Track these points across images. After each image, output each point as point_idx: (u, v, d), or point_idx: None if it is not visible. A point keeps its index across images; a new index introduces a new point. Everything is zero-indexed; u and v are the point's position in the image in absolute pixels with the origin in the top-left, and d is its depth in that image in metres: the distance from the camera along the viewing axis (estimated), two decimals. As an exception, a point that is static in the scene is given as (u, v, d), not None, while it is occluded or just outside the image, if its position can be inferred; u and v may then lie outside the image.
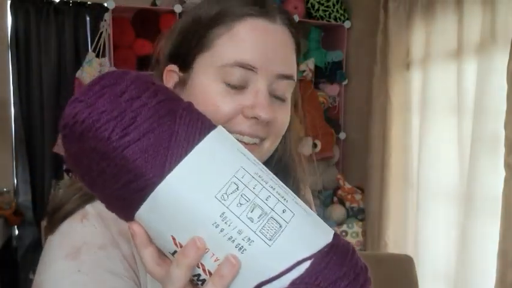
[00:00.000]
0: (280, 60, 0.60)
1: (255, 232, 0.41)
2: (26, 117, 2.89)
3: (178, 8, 2.64)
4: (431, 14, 2.12)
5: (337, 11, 2.93)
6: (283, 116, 0.62)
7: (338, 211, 2.74)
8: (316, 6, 2.91)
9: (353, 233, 2.64)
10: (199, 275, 0.43)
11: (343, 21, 2.94)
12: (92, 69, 2.57)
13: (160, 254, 0.44)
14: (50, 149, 2.82)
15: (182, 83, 0.60)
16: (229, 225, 0.41)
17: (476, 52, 1.88)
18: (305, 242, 0.42)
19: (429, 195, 2.19)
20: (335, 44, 3.04)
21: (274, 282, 0.41)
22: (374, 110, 2.47)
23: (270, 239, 0.41)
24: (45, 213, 2.77)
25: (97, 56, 2.63)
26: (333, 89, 3.00)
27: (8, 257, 2.82)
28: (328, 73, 2.93)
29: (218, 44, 0.58)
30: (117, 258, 0.56)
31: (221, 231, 0.41)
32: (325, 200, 2.89)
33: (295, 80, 0.63)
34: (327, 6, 2.92)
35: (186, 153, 0.42)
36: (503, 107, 1.68)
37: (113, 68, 2.58)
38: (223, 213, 0.41)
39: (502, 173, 1.70)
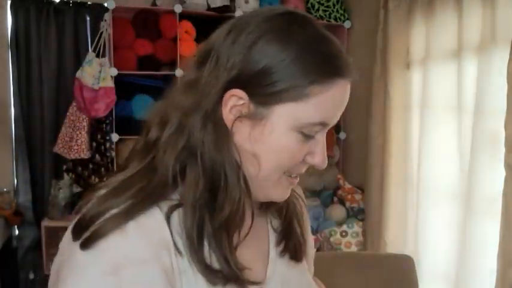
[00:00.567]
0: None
1: None
2: (26, 117, 2.89)
3: (178, 8, 2.64)
4: (431, 13, 2.11)
5: (337, 11, 2.93)
6: None
7: (338, 211, 2.74)
8: (316, 6, 2.92)
9: (353, 233, 2.64)
10: None
11: (343, 21, 2.94)
12: (92, 69, 2.58)
13: None
14: (50, 149, 2.82)
15: (252, 117, 0.57)
16: None
17: (476, 52, 1.88)
18: None
19: (429, 195, 2.19)
20: (335, 44, 3.04)
21: None
22: (374, 110, 2.47)
23: None
24: (45, 214, 2.78)
25: (97, 56, 2.63)
26: (333, 89, 2.99)
27: (8, 257, 2.82)
28: (328, 73, 2.93)
29: (311, 102, 0.57)
30: (156, 275, 0.54)
31: None
32: (325, 200, 2.89)
33: None
34: (327, 6, 2.92)
35: None
36: (503, 106, 1.68)
37: (113, 68, 2.58)
38: None
39: (502, 173, 1.70)
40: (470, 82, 1.90)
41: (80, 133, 2.63)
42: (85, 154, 2.64)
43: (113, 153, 2.68)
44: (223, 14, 2.75)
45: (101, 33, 2.66)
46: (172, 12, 2.66)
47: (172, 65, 2.82)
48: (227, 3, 2.75)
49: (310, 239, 0.80)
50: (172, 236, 0.57)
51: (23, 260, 2.92)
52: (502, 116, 1.68)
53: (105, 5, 2.59)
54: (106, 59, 2.60)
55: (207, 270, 0.57)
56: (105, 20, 2.64)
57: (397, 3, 2.32)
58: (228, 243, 0.59)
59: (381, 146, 2.44)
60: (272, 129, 0.57)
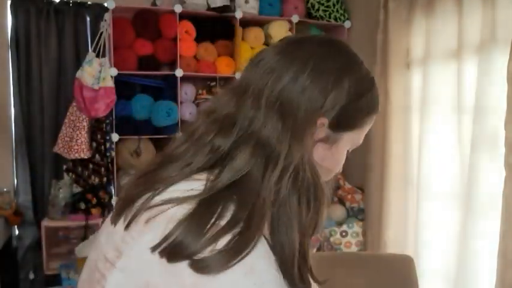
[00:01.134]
0: None
1: None
2: (26, 117, 2.89)
3: (178, 8, 2.64)
4: (432, 13, 2.11)
5: (337, 11, 2.93)
6: None
7: (338, 211, 2.74)
8: (316, 6, 2.92)
9: (353, 233, 2.64)
10: None
11: (343, 21, 2.94)
12: (92, 69, 2.58)
13: None
14: (50, 149, 2.82)
15: (328, 140, 0.69)
16: None
17: (476, 52, 1.88)
18: None
19: (429, 195, 2.19)
20: (335, 44, 3.04)
21: None
22: (374, 110, 2.47)
23: None
24: (45, 214, 2.77)
25: (97, 56, 2.63)
26: (333, 89, 2.99)
27: (8, 257, 2.82)
28: (328, 73, 2.93)
29: (363, 129, 0.74)
30: (280, 281, 0.58)
31: None
32: (325, 200, 2.88)
33: None
34: (327, 6, 2.92)
35: None
36: (503, 106, 1.68)
37: (113, 68, 2.58)
38: None
39: (502, 173, 1.70)
40: (470, 82, 1.90)
41: (80, 133, 2.64)
42: (85, 154, 2.64)
43: (113, 153, 2.68)
44: (223, 14, 2.75)
45: (101, 33, 2.66)
46: (172, 12, 2.66)
47: (172, 65, 2.82)
48: (227, 3, 2.75)
49: None
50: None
51: (23, 260, 2.92)
52: (502, 116, 1.68)
53: (105, 5, 2.59)
54: (106, 59, 2.60)
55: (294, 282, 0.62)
56: (105, 20, 2.64)
57: (397, 3, 2.32)
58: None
59: (380, 146, 2.44)
60: (339, 150, 0.71)
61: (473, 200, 1.88)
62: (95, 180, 2.71)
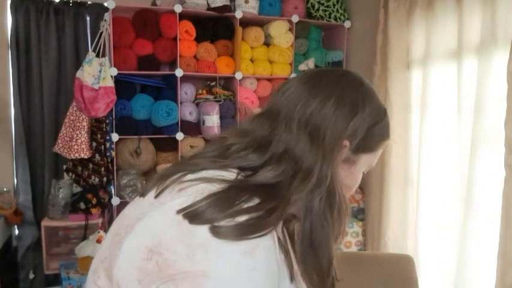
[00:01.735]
0: None
1: None
2: (26, 117, 2.89)
3: (178, 8, 2.64)
4: (431, 13, 2.11)
5: (337, 11, 2.93)
6: None
7: (338, 211, 2.73)
8: (316, 6, 2.91)
9: (353, 233, 2.64)
10: None
11: (343, 21, 2.94)
12: (91, 69, 2.58)
13: None
14: (50, 149, 2.82)
15: (348, 161, 0.77)
16: None
17: (476, 52, 1.88)
18: None
19: (429, 195, 2.19)
20: (335, 43, 3.04)
21: None
22: (374, 110, 2.47)
23: None
24: (45, 213, 2.77)
25: (97, 55, 2.63)
26: (333, 89, 2.99)
27: (8, 257, 2.82)
28: (328, 73, 2.93)
29: (377, 153, 0.82)
30: (277, 262, 0.63)
31: None
32: (325, 200, 2.89)
33: None
34: (327, 6, 2.92)
35: None
36: (503, 106, 1.68)
37: (113, 68, 2.59)
38: None
39: (502, 173, 1.70)
40: (470, 82, 1.90)
41: (80, 133, 2.64)
42: (85, 154, 2.64)
43: (113, 153, 2.68)
44: (223, 13, 2.75)
45: (101, 32, 2.66)
46: (172, 12, 2.66)
47: (172, 64, 2.82)
48: (227, 2, 2.75)
49: None
50: (276, 232, 0.66)
51: (23, 259, 2.92)
52: (502, 116, 1.68)
53: (105, 4, 2.59)
54: (106, 59, 2.60)
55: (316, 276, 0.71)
56: (105, 20, 2.64)
57: (397, 3, 2.32)
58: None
59: (380, 146, 2.43)
60: (356, 170, 0.80)
61: (473, 200, 1.88)
62: (95, 180, 2.71)
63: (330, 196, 0.71)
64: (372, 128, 0.77)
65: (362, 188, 2.73)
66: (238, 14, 2.75)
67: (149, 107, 2.73)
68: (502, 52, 1.73)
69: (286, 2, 2.92)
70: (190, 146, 2.81)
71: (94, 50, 2.64)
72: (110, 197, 2.75)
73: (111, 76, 2.60)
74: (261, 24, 2.91)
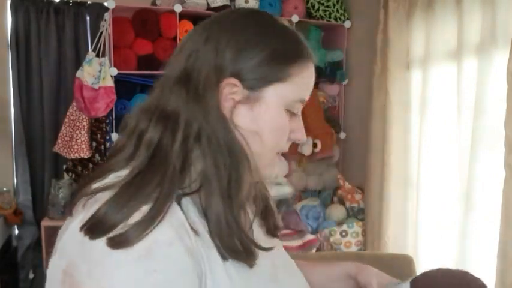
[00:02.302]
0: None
1: None
2: (26, 117, 2.89)
3: (178, 8, 2.64)
4: (431, 13, 2.11)
5: (337, 10, 2.93)
6: None
7: (338, 211, 2.74)
8: (316, 6, 2.91)
9: (353, 233, 2.64)
10: None
11: (343, 21, 2.93)
12: (91, 69, 2.57)
13: None
14: (50, 149, 2.82)
15: (247, 100, 0.67)
16: None
17: (476, 52, 1.88)
18: None
19: (429, 194, 2.19)
20: (335, 43, 3.04)
21: None
22: (374, 110, 2.47)
23: None
24: (45, 213, 2.77)
25: (97, 55, 2.63)
26: (332, 89, 3.00)
27: (8, 257, 2.82)
28: (328, 73, 2.93)
29: (293, 81, 0.68)
30: (183, 254, 0.57)
31: None
32: (325, 200, 2.89)
33: None
34: (327, 6, 2.92)
35: None
36: (503, 106, 1.68)
37: (113, 68, 2.58)
38: None
39: (502, 173, 1.70)
40: (470, 82, 1.90)
41: (80, 133, 2.64)
42: (85, 154, 2.64)
43: (113, 153, 2.67)
44: (223, 13, 2.75)
45: (101, 32, 2.66)
46: (172, 11, 2.66)
47: (172, 64, 2.82)
48: (227, 2, 2.75)
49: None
50: (186, 217, 0.61)
51: (22, 259, 2.92)
52: (502, 116, 1.68)
53: (105, 4, 2.58)
54: (106, 59, 2.60)
55: (233, 253, 0.62)
56: (105, 20, 2.64)
57: (397, 3, 2.32)
58: (245, 222, 0.68)
59: (381, 146, 2.44)
60: (267, 109, 0.67)
61: (473, 200, 1.88)
62: (95, 180, 2.70)
63: (210, 144, 0.63)
64: (270, 56, 0.67)
65: (362, 188, 2.73)
66: (238, 14, 2.75)
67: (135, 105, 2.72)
68: (502, 52, 1.73)
69: (286, 2, 2.92)
70: (190, 146, 2.81)
71: (94, 50, 2.64)
72: (110, 196, 2.75)
73: (111, 76, 2.59)
74: (261, 24, 2.90)
